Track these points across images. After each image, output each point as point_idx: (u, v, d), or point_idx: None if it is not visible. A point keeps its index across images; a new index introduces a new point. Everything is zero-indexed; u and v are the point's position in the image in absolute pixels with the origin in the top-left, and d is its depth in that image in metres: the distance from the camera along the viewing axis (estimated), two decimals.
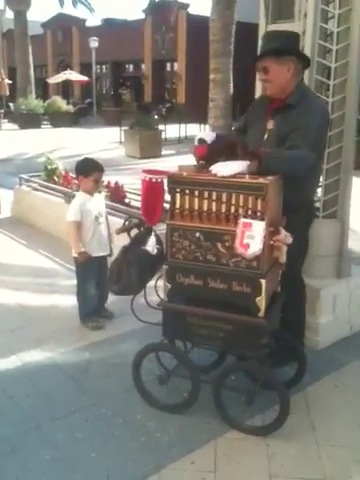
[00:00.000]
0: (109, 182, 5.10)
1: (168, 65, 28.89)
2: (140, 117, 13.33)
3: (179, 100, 26.66)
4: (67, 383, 2.79)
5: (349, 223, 3.25)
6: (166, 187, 2.35)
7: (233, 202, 2.22)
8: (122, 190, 5.09)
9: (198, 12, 25.39)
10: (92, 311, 3.47)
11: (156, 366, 2.61)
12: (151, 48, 28.19)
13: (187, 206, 2.29)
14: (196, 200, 2.27)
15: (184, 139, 15.41)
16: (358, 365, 3.01)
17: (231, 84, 7.41)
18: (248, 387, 2.44)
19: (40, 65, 32.00)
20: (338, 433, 2.43)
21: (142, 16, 27.91)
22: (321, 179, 3.01)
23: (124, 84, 27.23)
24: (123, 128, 13.73)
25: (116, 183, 5.10)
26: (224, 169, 2.20)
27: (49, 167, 6.02)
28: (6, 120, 21.26)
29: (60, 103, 21.65)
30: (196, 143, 2.49)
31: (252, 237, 2.16)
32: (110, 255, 3.40)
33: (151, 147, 12.53)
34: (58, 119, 21.10)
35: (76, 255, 3.33)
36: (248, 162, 2.23)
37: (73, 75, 27.11)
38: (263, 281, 2.23)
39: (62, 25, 32.57)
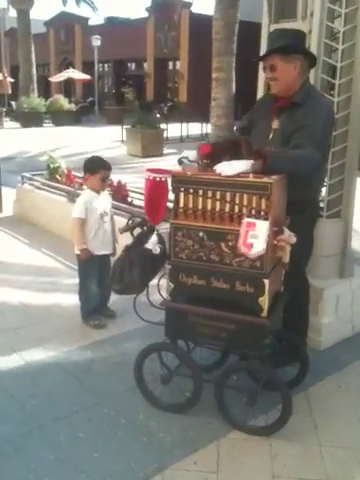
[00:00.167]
0: (112, 181, 5.09)
1: (170, 64, 28.87)
2: (142, 116, 13.31)
3: (181, 99, 26.66)
4: (70, 382, 2.79)
5: (353, 223, 3.25)
6: (170, 186, 2.34)
7: (237, 201, 2.21)
8: (124, 189, 5.08)
9: (201, 11, 25.44)
10: (94, 310, 3.46)
11: (158, 366, 2.61)
12: (153, 47, 28.18)
13: (191, 205, 2.28)
14: (200, 199, 2.26)
15: (186, 138, 15.40)
16: None
17: (233, 83, 7.38)
18: (250, 387, 2.44)
19: (42, 63, 32.00)
20: (341, 434, 2.42)
21: (145, 15, 27.89)
22: (325, 179, 3.00)
23: (126, 83, 27.21)
24: (125, 127, 13.73)
25: (119, 182, 5.09)
26: (228, 168, 2.19)
27: (52, 165, 6.01)
28: (8, 118, 21.28)
29: (62, 101, 21.65)
30: (179, 164, 2.44)
31: (256, 237, 2.15)
32: (113, 255, 3.39)
33: (153, 146, 12.54)
34: (60, 117, 21.10)
35: (78, 252, 3.33)
36: (252, 161, 2.22)
37: (75, 74, 27.15)
38: (266, 281, 2.22)
39: (65, 23, 32.58)
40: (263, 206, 2.17)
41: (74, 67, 29.67)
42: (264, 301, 2.24)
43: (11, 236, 5.50)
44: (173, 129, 14.88)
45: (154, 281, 2.51)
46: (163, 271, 2.47)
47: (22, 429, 2.41)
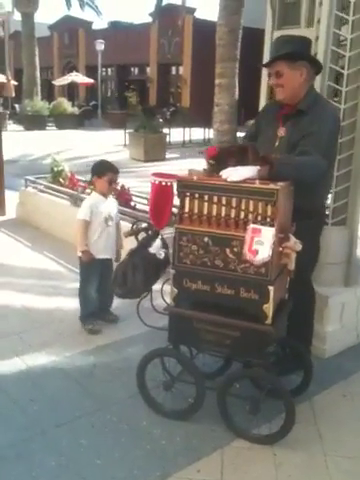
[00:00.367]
0: (117, 184, 5.09)
1: (173, 69, 28.97)
2: (145, 120, 13.33)
3: (184, 104, 26.73)
4: (72, 387, 2.77)
5: (358, 230, 3.23)
6: (175, 191, 2.33)
7: (243, 207, 2.20)
8: (128, 193, 5.07)
9: (204, 17, 25.51)
10: (91, 313, 3.45)
11: (160, 371, 2.59)
12: (157, 52, 28.28)
13: (196, 210, 2.27)
14: (205, 204, 2.25)
15: (188, 143, 15.43)
16: None
17: (236, 89, 7.41)
18: (253, 395, 2.41)
19: (46, 67, 32.14)
20: (346, 443, 2.39)
21: (148, 20, 28.00)
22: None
23: (129, 87, 27.32)
24: (128, 131, 13.75)
25: (122, 186, 5.08)
26: (234, 174, 2.18)
27: (55, 168, 6.01)
28: (12, 121, 21.33)
29: (65, 105, 21.73)
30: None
31: (261, 243, 2.13)
32: (117, 260, 3.38)
33: (155, 150, 12.55)
34: (63, 121, 21.17)
35: (81, 254, 3.33)
36: (258, 167, 2.21)
37: (79, 77, 27.24)
38: (271, 288, 2.20)
39: (69, 27, 32.74)
40: (269, 212, 2.15)
41: (77, 71, 29.77)
42: (269, 308, 2.22)
43: (14, 239, 5.49)
44: (176, 134, 14.92)
45: (158, 286, 2.50)
46: (167, 276, 2.46)
47: (24, 434, 2.38)
